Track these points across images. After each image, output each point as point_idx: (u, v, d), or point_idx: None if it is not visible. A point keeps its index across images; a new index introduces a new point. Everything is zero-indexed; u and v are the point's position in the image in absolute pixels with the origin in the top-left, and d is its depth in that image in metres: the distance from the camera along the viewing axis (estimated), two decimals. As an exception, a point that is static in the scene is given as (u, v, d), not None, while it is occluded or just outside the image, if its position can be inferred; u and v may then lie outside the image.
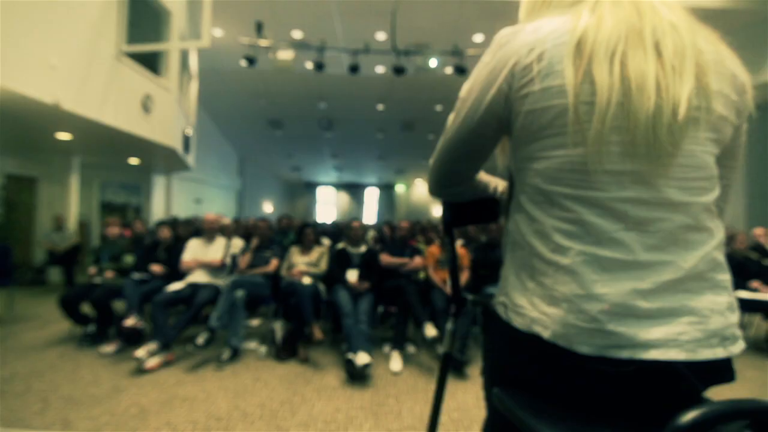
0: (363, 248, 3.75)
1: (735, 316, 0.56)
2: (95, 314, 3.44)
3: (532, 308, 0.57)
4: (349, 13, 6.76)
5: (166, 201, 9.24)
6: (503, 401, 0.57)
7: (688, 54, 0.53)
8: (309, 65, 7.29)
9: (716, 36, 0.59)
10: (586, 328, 0.52)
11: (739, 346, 0.54)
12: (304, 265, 3.62)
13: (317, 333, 3.07)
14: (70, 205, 6.47)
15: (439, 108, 10.66)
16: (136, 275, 3.48)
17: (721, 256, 0.57)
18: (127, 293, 3.28)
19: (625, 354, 0.50)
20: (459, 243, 3.99)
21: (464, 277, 3.51)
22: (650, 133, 0.51)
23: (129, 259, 3.77)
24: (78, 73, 3.87)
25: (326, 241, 5.18)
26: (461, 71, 6.84)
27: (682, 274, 0.52)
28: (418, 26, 6.94)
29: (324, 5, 6.62)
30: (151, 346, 2.91)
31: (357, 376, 2.77)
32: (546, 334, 0.55)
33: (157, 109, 5.14)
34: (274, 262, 3.63)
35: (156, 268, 3.54)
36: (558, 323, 0.54)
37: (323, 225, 9.51)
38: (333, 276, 3.56)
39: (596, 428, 0.51)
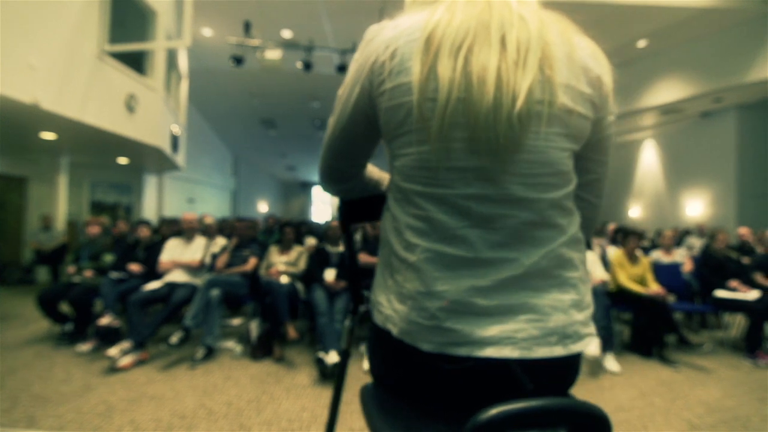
0: (342, 247, 3.76)
1: (582, 314, 0.55)
2: (73, 313, 3.45)
3: (388, 305, 0.58)
4: (338, 12, 6.76)
5: (158, 201, 9.25)
6: (363, 397, 0.58)
7: (533, 46, 0.51)
8: (299, 65, 7.30)
9: (575, 29, 0.57)
10: (427, 326, 0.52)
11: (582, 345, 0.54)
12: (283, 264, 3.63)
13: (291, 332, 3.08)
14: (58, 204, 6.49)
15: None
16: (114, 274, 3.49)
17: (571, 253, 0.56)
18: (103, 292, 3.29)
19: (462, 351, 0.50)
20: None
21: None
22: (490, 128, 0.50)
23: (108, 258, 3.78)
24: (58, 72, 3.87)
25: (312, 241, 5.19)
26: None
27: (523, 271, 0.52)
28: (406, 26, 6.93)
29: (313, 5, 6.62)
30: (125, 344, 2.92)
31: (328, 375, 2.77)
32: (395, 331, 0.55)
33: (142, 109, 5.14)
34: (252, 261, 3.64)
35: (134, 267, 3.55)
36: (404, 320, 0.54)
37: (316, 225, 9.50)
38: (311, 275, 3.57)
39: (433, 426, 0.51)
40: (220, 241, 4.14)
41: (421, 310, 0.53)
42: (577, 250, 0.57)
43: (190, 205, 11.03)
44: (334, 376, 2.78)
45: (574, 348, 0.53)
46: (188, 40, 4.18)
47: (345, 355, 0.82)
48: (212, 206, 12.49)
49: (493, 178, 0.52)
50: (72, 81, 4.03)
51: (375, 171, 0.78)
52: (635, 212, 10.79)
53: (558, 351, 0.52)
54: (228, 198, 14.96)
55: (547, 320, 0.52)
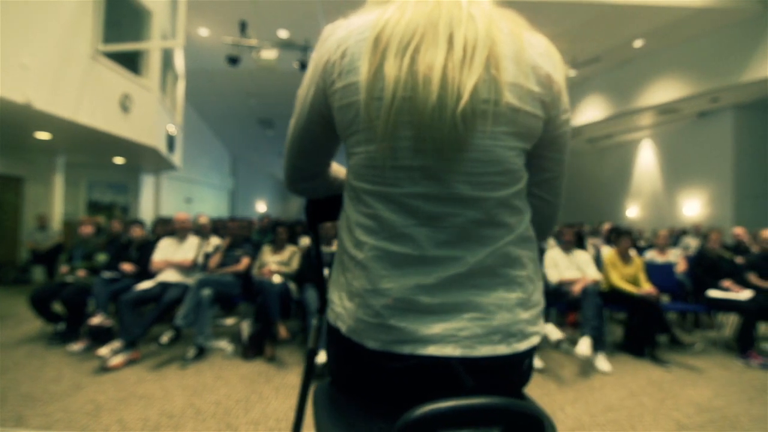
0: (335, 246, 3.76)
1: (528, 313, 0.55)
2: (66, 313, 3.46)
3: (339, 303, 0.58)
4: (334, 12, 6.71)
5: (155, 200, 9.26)
6: (315, 395, 0.58)
7: (480, 45, 0.51)
8: (295, 65, 7.30)
9: (527, 26, 0.57)
10: (372, 323, 0.52)
11: (527, 343, 0.54)
12: (275, 264, 3.63)
13: (282, 332, 3.08)
14: (54, 204, 6.49)
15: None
16: (107, 274, 3.49)
17: (519, 251, 0.56)
18: (95, 292, 3.29)
19: (406, 349, 0.51)
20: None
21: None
22: (435, 128, 0.50)
23: (101, 257, 3.78)
24: (51, 72, 3.88)
25: (306, 241, 5.19)
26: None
27: (467, 269, 0.52)
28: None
29: (309, 5, 6.63)
30: (116, 344, 2.92)
31: (317, 375, 2.77)
32: (344, 328, 0.55)
33: (137, 109, 5.15)
34: (244, 261, 3.64)
35: (126, 266, 3.55)
36: (352, 318, 0.54)
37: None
38: (304, 275, 3.57)
39: (376, 425, 0.51)
40: (214, 241, 4.15)
41: (367, 307, 0.53)
42: (526, 249, 0.57)
43: (188, 205, 11.04)
44: (324, 376, 2.78)
45: (519, 347, 0.53)
46: (182, 40, 4.18)
47: (311, 354, 0.83)
48: (210, 206, 12.50)
49: (440, 176, 0.52)
50: (65, 81, 4.03)
51: (341, 170, 0.78)
52: (633, 212, 10.79)
53: (501, 349, 0.51)
54: (226, 198, 14.97)
55: (491, 319, 0.52)
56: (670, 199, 9.59)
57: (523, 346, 0.53)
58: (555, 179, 0.65)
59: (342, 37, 0.57)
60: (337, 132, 0.62)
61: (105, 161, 7.15)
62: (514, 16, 0.58)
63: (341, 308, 0.57)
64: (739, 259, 4.06)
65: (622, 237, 3.69)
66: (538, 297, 0.58)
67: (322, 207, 0.82)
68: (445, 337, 0.50)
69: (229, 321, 4.20)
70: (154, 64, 5.64)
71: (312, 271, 3.53)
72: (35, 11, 3.68)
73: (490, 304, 0.52)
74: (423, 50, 0.51)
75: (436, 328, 0.50)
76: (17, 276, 6.28)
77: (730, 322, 4.20)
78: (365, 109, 0.53)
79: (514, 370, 0.54)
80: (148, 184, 8.95)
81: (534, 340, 0.54)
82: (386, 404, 0.53)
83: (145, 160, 7.08)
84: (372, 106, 0.52)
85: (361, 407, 0.54)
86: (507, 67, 0.53)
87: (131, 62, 5.29)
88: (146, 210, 8.77)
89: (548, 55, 0.57)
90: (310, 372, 0.82)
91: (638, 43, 7.86)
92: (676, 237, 6.88)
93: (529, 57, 0.55)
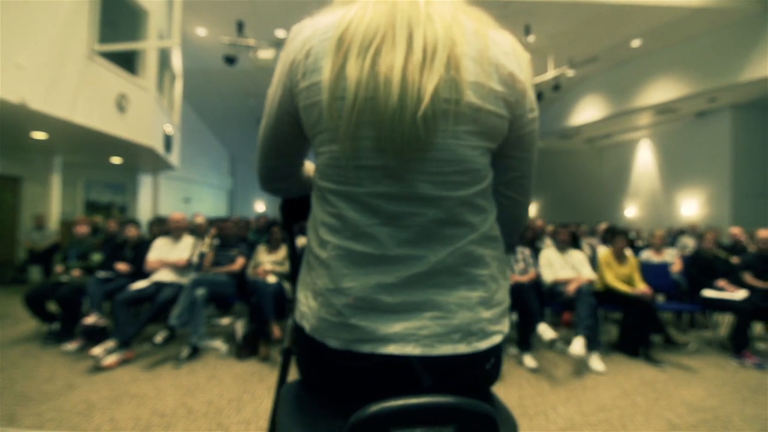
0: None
1: (490, 312, 0.55)
2: (61, 312, 3.46)
3: (304, 302, 0.58)
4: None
5: (153, 200, 9.26)
6: (282, 394, 0.58)
7: (440, 45, 0.51)
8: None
9: (491, 25, 0.57)
10: (334, 322, 0.52)
11: (488, 342, 0.53)
12: (270, 263, 3.63)
13: (276, 331, 3.09)
14: (52, 204, 6.50)
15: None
16: (102, 273, 3.49)
17: (482, 250, 0.56)
18: (90, 291, 3.29)
19: (366, 348, 0.51)
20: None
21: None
22: (396, 128, 0.50)
23: (97, 257, 3.78)
24: (47, 72, 3.88)
25: (303, 240, 5.20)
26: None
27: (429, 268, 0.52)
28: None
29: (306, 5, 6.60)
30: (109, 343, 2.93)
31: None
32: (308, 327, 0.55)
33: (134, 109, 5.15)
34: (240, 261, 3.65)
35: (121, 266, 3.55)
36: (315, 317, 0.54)
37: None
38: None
39: (336, 424, 0.51)
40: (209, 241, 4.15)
41: (329, 306, 0.53)
42: (490, 248, 0.57)
43: (186, 205, 11.04)
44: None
45: (480, 345, 0.53)
46: (178, 40, 4.18)
47: (287, 354, 0.82)
48: (209, 206, 12.51)
49: (401, 176, 0.52)
50: (61, 80, 4.04)
51: (313, 169, 0.78)
52: (631, 212, 10.78)
53: (462, 348, 0.51)
54: (225, 198, 14.98)
55: (452, 317, 0.52)
56: (669, 198, 9.59)
57: (484, 345, 0.53)
58: (522, 178, 0.65)
59: (307, 37, 0.57)
60: (305, 132, 0.62)
61: (102, 161, 7.15)
62: (480, 14, 0.58)
63: (306, 307, 0.57)
64: (735, 259, 4.06)
65: (617, 237, 3.69)
66: (502, 296, 0.58)
67: (297, 206, 0.82)
68: (406, 336, 0.50)
69: (224, 321, 4.20)
70: (150, 63, 5.64)
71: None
72: (31, 11, 3.68)
73: (451, 303, 0.52)
74: (384, 51, 0.52)
75: (397, 327, 0.51)
76: (14, 276, 6.29)
77: (725, 321, 4.20)
78: (328, 109, 0.53)
79: (475, 369, 0.54)
80: (146, 184, 8.95)
81: (496, 339, 0.54)
82: (348, 403, 0.53)
83: (142, 159, 7.09)
84: (334, 106, 0.52)
85: (324, 406, 0.54)
86: (468, 66, 0.52)
87: (128, 62, 5.30)
88: (144, 210, 8.78)
89: (513, 54, 0.57)
90: (286, 372, 0.82)
91: (636, 43, 7.85)
92: (673, 237, 6.88)
93: (492, 56, 0.54)
